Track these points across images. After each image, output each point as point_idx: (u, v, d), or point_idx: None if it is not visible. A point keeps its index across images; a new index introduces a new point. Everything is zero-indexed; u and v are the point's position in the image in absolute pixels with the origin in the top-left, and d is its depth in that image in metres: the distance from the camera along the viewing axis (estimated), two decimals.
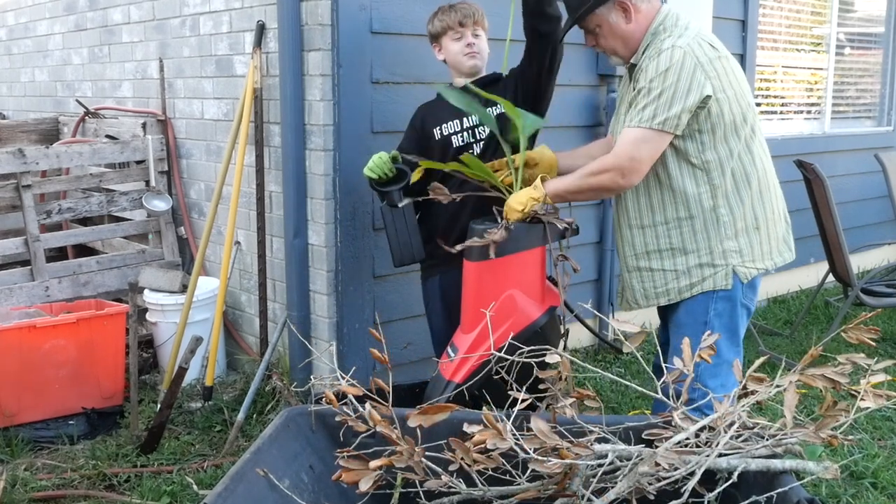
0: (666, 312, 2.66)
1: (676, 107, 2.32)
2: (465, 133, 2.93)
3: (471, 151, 2.92)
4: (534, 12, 2.71)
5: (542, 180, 2.54)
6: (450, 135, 2.93)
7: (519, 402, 1.94)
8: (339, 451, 1.93)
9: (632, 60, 2.52)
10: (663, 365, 2.13)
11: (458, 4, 2.92)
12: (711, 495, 1.76)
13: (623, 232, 2.62)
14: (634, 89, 2.44)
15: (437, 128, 2.95)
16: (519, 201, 2.53)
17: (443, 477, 1.85)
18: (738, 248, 2.50)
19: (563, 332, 2.64)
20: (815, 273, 5.50)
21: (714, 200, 2.46)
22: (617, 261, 2.82)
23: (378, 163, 2.83)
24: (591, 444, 1.83)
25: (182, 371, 3.21)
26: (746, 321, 2.60)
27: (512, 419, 1.87)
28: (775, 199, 2.58)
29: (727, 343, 2.50)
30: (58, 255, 4.64)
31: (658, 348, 2.39)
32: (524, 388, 1.98)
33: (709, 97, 2.34)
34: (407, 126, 3.09)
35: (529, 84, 2.86)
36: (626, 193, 2.58)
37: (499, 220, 2.57)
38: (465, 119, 2.93)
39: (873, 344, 2.04)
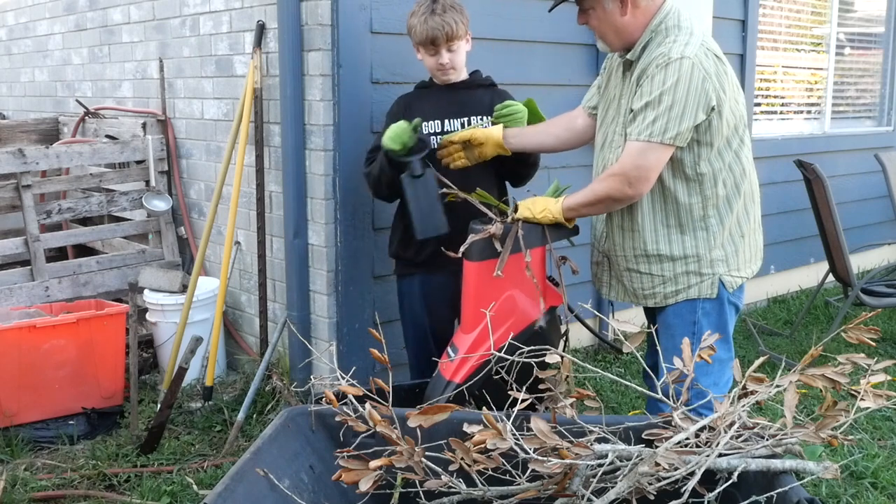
0: (653, 313, 2.66)
1: (687, 121, 2.31)
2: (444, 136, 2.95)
3: None
4: (514, 170, 2.89)
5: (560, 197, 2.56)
6: (430, 134, 2.94)
7: (519, 402, 1.94)
8: (339, 451, 1.93)
9: (629, 56, 2.49)
10: (664, 366, 2.13)
11: (432, 19, 2.78)
12: (711, 495, 1.76)
13: (614, 234, 2.61)
14: (637, 89, 2.41)
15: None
16: (537, 207, 2.53)
17: (443, 477, 1.85)
18: (724, 257, 2.51)
19: (563, 332, 2.64)
20: (815, 273, 5.50)
21: (704, 210, 2.47)
22: None
23: (398, 132, 2.73)
24: (591, 444, 1.84)
25: (182, 371, 3.21)
26: (735, 318, 2.62)
27: (512, 419, 1.87)
28: (757, 208, 2.60)
29: (717, 342, 2.50)
30: (58, 255, 4.64)
31: (655, 348, 2.39)
32: (524, 389, 1.98)
33: (713, 109, 2.33)
34: (386, 116, 3.07)
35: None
36: None
37: (493, 217, 2.58)
38: (445, 121, 2.94)
39: (873, 344, 2.04)
